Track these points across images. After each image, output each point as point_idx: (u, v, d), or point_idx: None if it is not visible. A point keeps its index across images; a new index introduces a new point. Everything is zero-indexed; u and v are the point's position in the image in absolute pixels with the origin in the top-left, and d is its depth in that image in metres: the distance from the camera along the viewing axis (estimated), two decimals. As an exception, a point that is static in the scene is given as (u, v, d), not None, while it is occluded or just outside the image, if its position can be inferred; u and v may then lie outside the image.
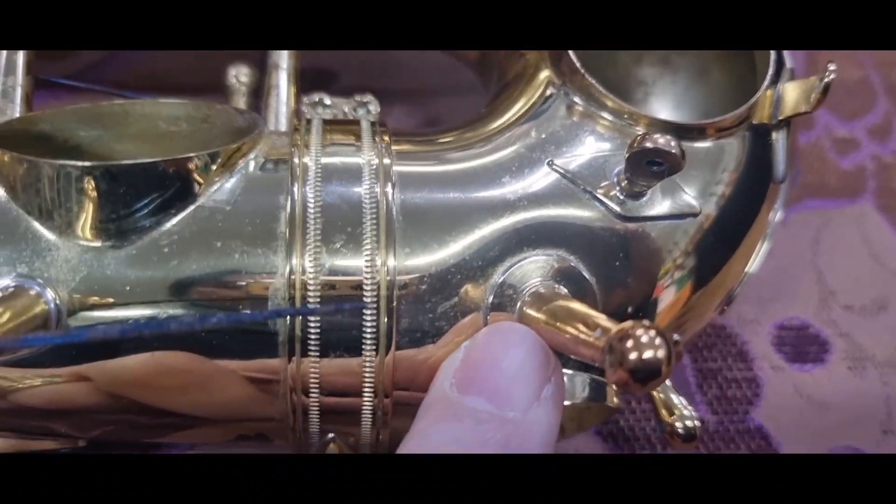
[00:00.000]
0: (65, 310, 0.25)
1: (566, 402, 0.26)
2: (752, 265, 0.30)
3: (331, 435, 0.27)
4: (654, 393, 0.29)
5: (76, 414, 0.27)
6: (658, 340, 0.20)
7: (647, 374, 0.20)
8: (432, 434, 0.23)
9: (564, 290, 0.26)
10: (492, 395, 0.23)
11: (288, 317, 0.24)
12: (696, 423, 0.28)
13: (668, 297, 0.28)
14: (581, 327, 0.23)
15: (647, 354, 0.20)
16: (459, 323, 0.26)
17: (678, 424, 0.28)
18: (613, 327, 0.21)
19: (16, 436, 0.28)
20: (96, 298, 0.25)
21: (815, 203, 0.37)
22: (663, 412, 0.29)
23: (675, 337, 0.28)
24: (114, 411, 0.26)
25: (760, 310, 0.35)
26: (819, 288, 0.36)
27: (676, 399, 0.29)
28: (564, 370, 0.26)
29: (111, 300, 0.25)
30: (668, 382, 0.29)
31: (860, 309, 0.36)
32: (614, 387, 0.27)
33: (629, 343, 0.20)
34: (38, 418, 0.27)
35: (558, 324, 0.24)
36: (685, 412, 0.28)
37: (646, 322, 0.21)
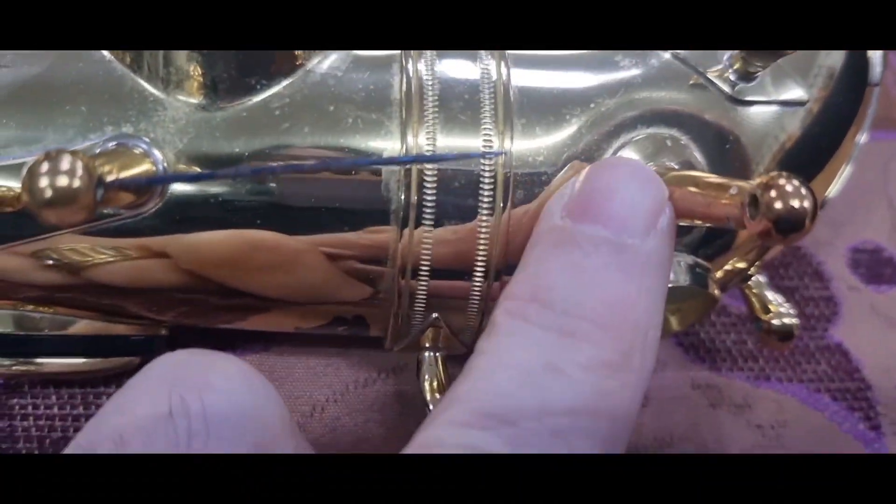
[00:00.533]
0: (171, 172, 0.24)
1: (668, 284, 0.26)
2: (834, 188, 0.30)
3: (434, 315, 0.26)
4: (750, 291, 0.29)
5: (150, 293, 0.26)
6: (804, 191, 0.20)
7: (791, 225, 0.20)
8: (548, 260, 0.22)
9: (677, 168, 0.25)
10: (608, 221, 0.22)
11: (412, 165, 0.24)
12: (794, 320, 0.28)
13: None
14: (710, 190, 0.23)
15: (794, 203, 0.20)
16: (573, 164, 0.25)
17: (775, 322, 0.28)
18: (748, 184, 0.21)
19: (97, 316, 0.27)
20: (204, 161, 0.24)
21: (883, 134, 0.37)
22: (759, 310, 0.29)
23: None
24: (199, 290, 0.26)
25: (834, 232, 0.35)
26: (891, 214, 0.36)
27: (772, 296, 0.29)
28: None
29: (219, 164, 0.24)
30: (763, 279, 0.29)
31: (932, 234, 0.36)
32: (716, 276, 0.27)
33: (774, 192, 0.20)
34: (112, 296, 0.26)
35: (680, 191, 0.24)
36: (782, 309, 0.28)
37: (787, 173, 0.21)
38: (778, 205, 0.20)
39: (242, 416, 0.21)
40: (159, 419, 0.21)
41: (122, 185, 0.21)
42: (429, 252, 0.25)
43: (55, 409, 0.30)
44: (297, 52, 0.25)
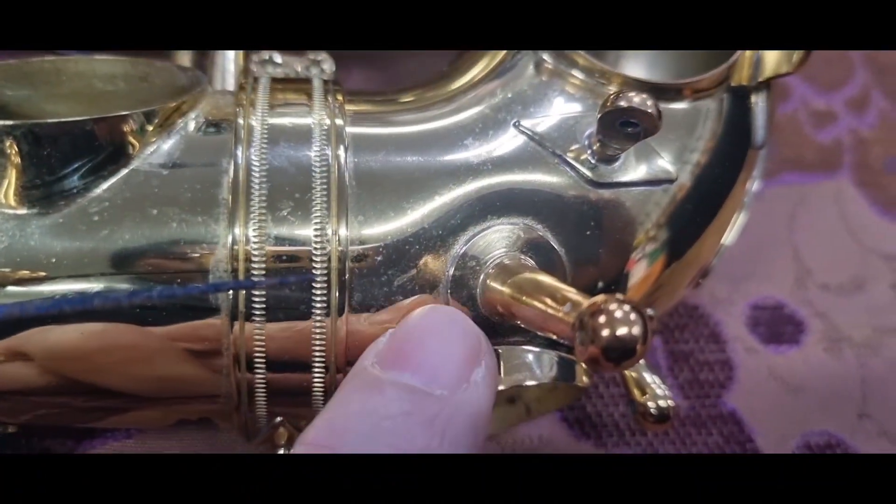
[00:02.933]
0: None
1: (531, 383, 0.24)
2: (729, 237, 0.28)
3: (279, 419, 0.25)
4: (626, 371, 0.28)
5: (7, 396, 0.24)
6: (633, 316, 0.19)
7: (620, 353, 0.19)
8: (349, 404, 0.21)
9: (531, 262, 0.24)
10: (417, 370, 0.21)
11: (229, 291, 0.22)
12: (670, 402, 0.27)
13: (640, 271, 0.26)
14: (549, 301, 0.21)
15: (622, 331, 0.19)
16: (416, 298, 0.24)
17: (651, 404, 0.27)
18: (584, 301, 0.20)
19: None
20: (19, 271, 0.23)
21: (792, 177, 0.36)
22: (635, 392, 0.27)
23: (650, 311, 0.26)
24: (49, 392, 0.24)
25: (734, 289, 0.34)
26: (795, 266, 0.34)
27: (649, 377, 0.27)
28: (530, 348, 0.24)
29: (36, 273, 0.23)
30: (640, 361, 0.27)
31: (837, 288, 0.34)
32: (584, 366, 0.26)
33: (602, 318, 0.19)
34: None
35: (524, 297, 0.22)
36: (658, 391, 0.27)
37: (619, 296, 0.19)
38: (605, 332, 0.19)
39: None
40: None
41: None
42: (262, 349, 0.23)
43: None
44: (130, 142, 0.23)
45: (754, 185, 0.28)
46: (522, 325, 0.23)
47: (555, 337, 0.22)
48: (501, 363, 0.24)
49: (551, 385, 0.25)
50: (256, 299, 0.23)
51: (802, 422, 0.32)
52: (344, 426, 0.21)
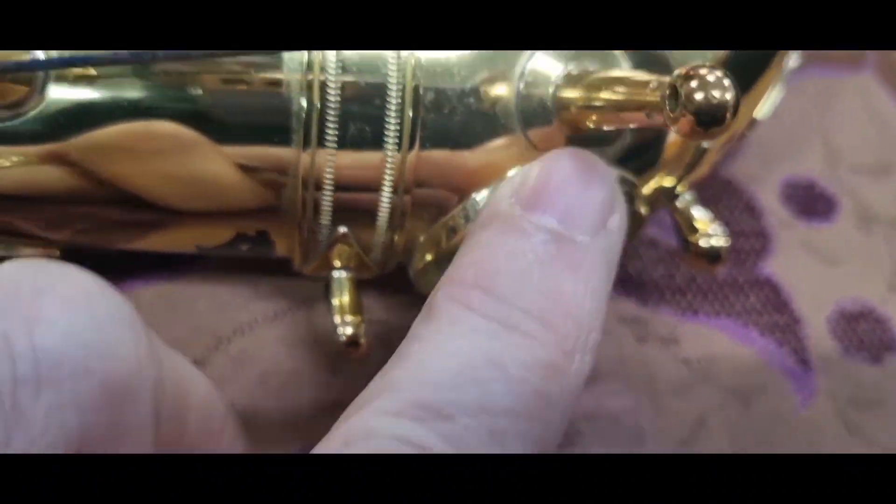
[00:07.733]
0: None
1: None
2: (763, 109, 0.29)
3: (343, 229, 0.25)
4: (676, 210, 0.28)
5: (48, 203, 0.24)
6: (727, 82, 0.19)
7: (713, 117, 0.19)
8: (494, 245, 0.21)
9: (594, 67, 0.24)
10: (560, 214, 0.21)
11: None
12: (724, 242, 0.27)
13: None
14: (629, 88, 0.21)
15: (715, 94, 0.19)
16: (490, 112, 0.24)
17: (703, 243, 0.27)
18: (668, 77, 0.20)
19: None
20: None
21: (817, 71, 0.36)
22: (686, 230, 0.27)
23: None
24: (92, 199, 0.24)
25: (766, 167, 0.34)
26: (825, 150, 0.35)
27: (701, 215, 0.27)
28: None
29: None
30: (691, 197, 0.28)
31: (866, 170, 0.35)
32: (644, 194, 0.26)
33: (695, 83, 0.19)
34: (3, 212, 0.24)
35: (601, 94, 0.22)
36: (710, 230, 0.27)
37: (710, 64, 0.19)
38: (698, 96, 0.19)
39: (83, 352, 0.18)
40: None
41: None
42: (332, 167, 0.23)
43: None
44: None
45: (791, 62, 0.29)
46: (602, 128, 0.23)
47: (636, 125, 0.22)
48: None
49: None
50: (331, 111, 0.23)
51: (836, 290, 0.32)
52: (494, 267, 0.20)
